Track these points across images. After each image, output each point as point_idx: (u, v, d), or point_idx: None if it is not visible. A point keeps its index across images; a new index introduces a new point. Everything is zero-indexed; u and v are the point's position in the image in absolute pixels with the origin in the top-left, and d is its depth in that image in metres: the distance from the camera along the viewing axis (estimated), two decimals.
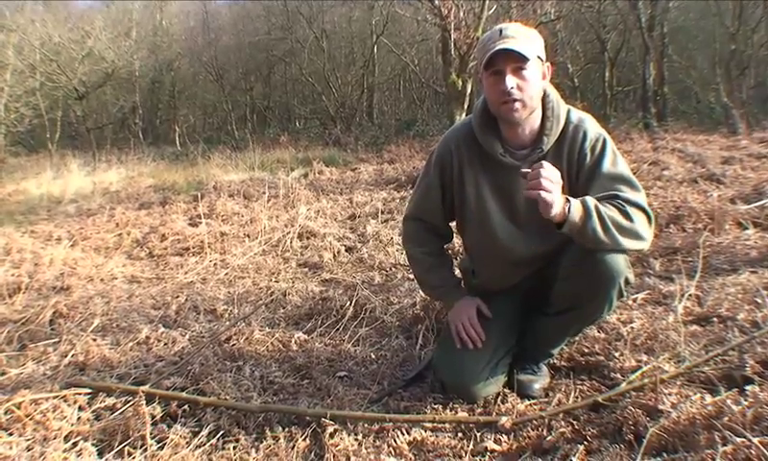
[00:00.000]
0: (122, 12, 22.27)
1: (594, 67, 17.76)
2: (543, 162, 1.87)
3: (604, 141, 2.06)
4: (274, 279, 4.08)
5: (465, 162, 2.21)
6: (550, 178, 1.83)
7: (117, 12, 22.06)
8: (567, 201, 1.88)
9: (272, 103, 25.29)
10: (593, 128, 2.08)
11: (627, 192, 1.99)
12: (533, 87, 1.99)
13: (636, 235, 1.94)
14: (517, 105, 1.99)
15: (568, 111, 2.11)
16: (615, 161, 2.04)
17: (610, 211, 1.91)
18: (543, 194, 1.83)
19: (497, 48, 1.93)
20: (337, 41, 22.26)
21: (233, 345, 2.83)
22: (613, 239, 1.91)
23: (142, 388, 2.24)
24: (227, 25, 26.02)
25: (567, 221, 1.87)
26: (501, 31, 1.98)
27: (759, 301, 2.72)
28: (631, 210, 1.94)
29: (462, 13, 11.05)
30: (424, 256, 2.44)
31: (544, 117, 2.07)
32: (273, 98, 25.30)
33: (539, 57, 2.00)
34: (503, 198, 2.16)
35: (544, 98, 2.08)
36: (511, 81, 1.95)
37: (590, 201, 1.91)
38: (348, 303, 3.23)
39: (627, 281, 2.06)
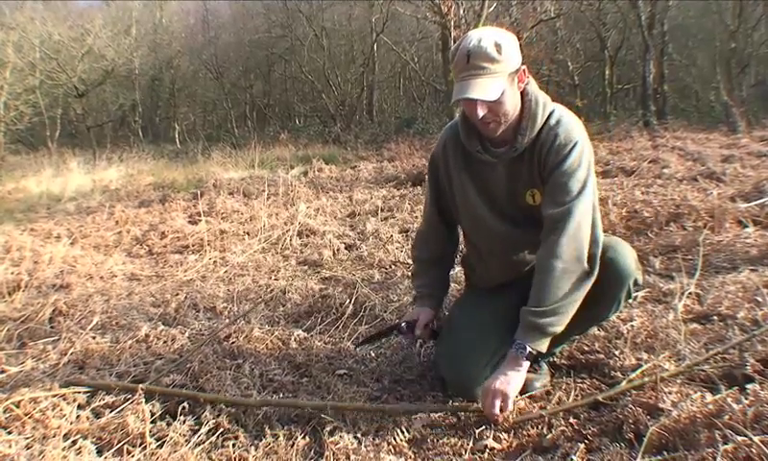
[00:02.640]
0: (122, 9, 22.27)
1: (594, 65, 17.76)
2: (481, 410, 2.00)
3: (572, 147, 2.00)
4: (273, 277, 4.08)
5: (450, 162, 2.25)
6: (488, 401, 1.96)
7: (117, 9, 22.05)
8: (515, 347, 1.97)
9: (272, 101, 25.32)
10: (567, 131, 2.02)
11: (562, 207, 1.96)
12: (506, 106, 1.98)
13: (572, 273, 1.96)
14: (492, 125, 2.01)
15: (551, 112, 2.07)
16: (573, 171, 1.98)
17: (540, 292, 1.96)
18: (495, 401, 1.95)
19: (462, 97, 1.93)
20: (337, 39, 22.27)
21: (233, 342, 2.82)
22: (577, 293, 1.97)
23: (141, 385, 2.23)
24: (227, 23, 26.05)
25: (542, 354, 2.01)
26: (468, 56, 1.92)
27: (759, 299, 2.71)
28: (546, 263, 1.96)
29: (462, 11, 11.07)
30: (416, 262, 2.51)
31: (522, 116, 2.06)
32: (273, 96, 25.33)
33: (510, 73, 1.95)
34: (486, 193, 2.19)
35: (524, 96, 2.06)
36: (482, 110, 1.96)
37: (526, 314, 1.97)
38: (348, 300, 3.22)
39: (635, 282, 2.07)
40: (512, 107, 2.01)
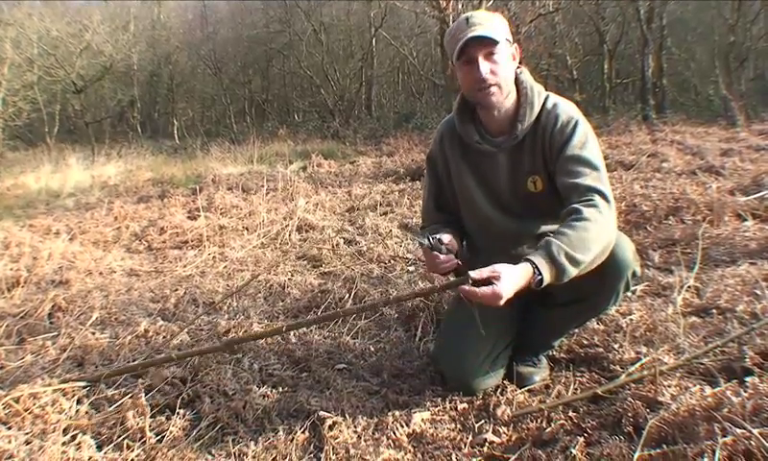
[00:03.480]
0: (120, 5, 22.25)
1: (593, 59, 17.75)
2: (473, 288, 1.76)
3: (575, 124, 2.04)
4: (272, 272, 4.08)
5: (448, 154, 2.26)
6: (487, 295, 1.74)
7: (115, 6, 22.03)
8: (534, 268, 1.77)
9: (270, 96, 25.27)
10: (566, 112, 2.07)
11: (587, 178, 1.94)
12: (505, 69, 2.02)
13: (605, 240, 1.87)
14: (494, 89, 2.02)
15: (546, 98, 2.12)
16: (583, 145, 2.01)
17: (574, 238, 1.80)
18: (487, 301, 1.75)
19: (468, 37, 1.96)
20: (335, 34, 22.23)
21: (232, 337, 2.82)
22: (593, 262, 1.86)
23: (96, 373, 2.24)
24: (225, 18, 25.99)
25: (544, 286, 1.79)
26: (468, 19, 2.01)
27: (758, 292, 2.71)
28: (589, 214, 1.84)
29: (460, 6, 11.05)
30: (424, 224, 2.42)
31: (519, 103, 2.09)
32: (271, 91, 25.28)
33: (507, 39, 2.04)
34: (486, 184, 2.20)
35: (519, 85, 2.10)
36: (484, 67, 1.98)
37: (555, 247, 1.78)
38: (347, 295, 3.22)
39: (634, 274, 2.07)
40: (509, 75, 2.05)
